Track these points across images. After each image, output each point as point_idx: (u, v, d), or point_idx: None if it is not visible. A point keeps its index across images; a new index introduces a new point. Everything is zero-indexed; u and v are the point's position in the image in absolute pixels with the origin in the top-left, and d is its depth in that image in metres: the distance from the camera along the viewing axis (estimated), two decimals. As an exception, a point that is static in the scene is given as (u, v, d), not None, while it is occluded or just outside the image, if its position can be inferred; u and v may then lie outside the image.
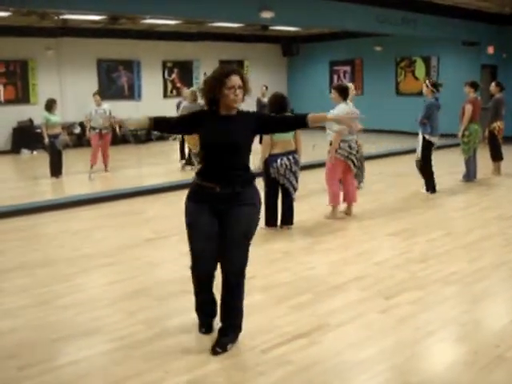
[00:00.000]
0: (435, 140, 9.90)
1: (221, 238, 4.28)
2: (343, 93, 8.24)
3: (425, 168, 10.09)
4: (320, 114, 4.50)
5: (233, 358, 4.19)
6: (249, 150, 4.35)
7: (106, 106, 13.27)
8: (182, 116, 5.00)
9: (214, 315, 4.66)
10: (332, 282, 5.78)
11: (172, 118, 4.61)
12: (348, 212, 8.59)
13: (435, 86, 9.94)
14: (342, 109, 8.00)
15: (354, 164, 8.41)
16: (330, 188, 8.42)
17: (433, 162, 10.06)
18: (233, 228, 4.25)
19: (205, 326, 4.63)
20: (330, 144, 8.25)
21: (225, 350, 4.28)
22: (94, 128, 13.11)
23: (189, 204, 4.46)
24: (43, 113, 12.41)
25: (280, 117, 4.94)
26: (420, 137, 9.95)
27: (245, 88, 4.23)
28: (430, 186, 10.13)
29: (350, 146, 8.25)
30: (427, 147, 9.93)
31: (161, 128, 4.62)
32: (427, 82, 10.05)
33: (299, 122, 4.37)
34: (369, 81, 21.51)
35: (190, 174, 12.39)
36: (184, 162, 13.49)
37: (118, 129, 13.42)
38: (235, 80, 4.16)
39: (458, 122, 10.83)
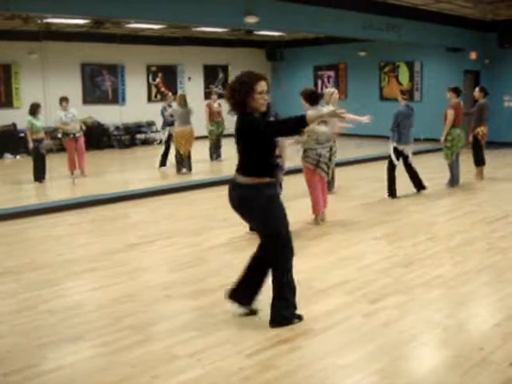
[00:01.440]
0: (402, 148, 10.04)
1: None
2: (309, 98, 8.14)
3: (388, 173, 10.29)
4: (315, 112, 4.70)
5: (218, 362, 4.19)
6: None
7: (73, 109, 13.30)
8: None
9: None
10: (317, 286, 5.80)
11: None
12: (321, 218, 8.52)
13: (403, 93, 10.38)
14: None
15: (326, 172, 8.37)
16: (311, 196, 8.43)
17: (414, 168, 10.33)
18: None
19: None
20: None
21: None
22: (66, 134, 13.13)
23: (276, 197, 4.77)
24: (28, 117, 12.35)
25: (282, 120, 4.95)
26: (390, 145, 10.20)
27: (268, 92, 4.61)
28: (390, 191, 10.28)
29: (318, 154, 8.20)
30: (395, 154, 10.13)
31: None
32: (399, 90, 10.38)
33: (300, 123, 4.45)
34: (353, 86, 21.60)
35: (179, 179, 12.43)
36: (176, 166, 13.45)
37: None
38: (264, 85, 4.56)
39: (441, 127, 10.91)
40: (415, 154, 10.95)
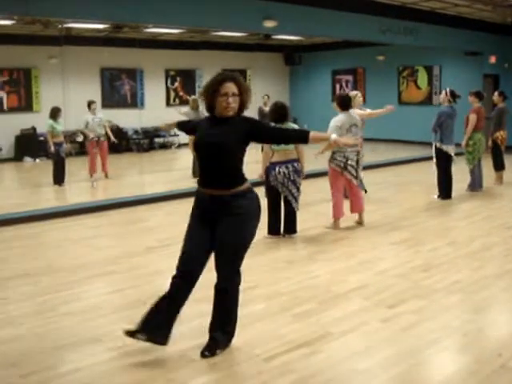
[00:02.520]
0: (446, 148, 9.99)
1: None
2: (341, 103, 8.25)
3: (438, 175, 10.31)
4: (323, 133, 4.50)
5: (236, 366, 4.18)
6: (239, 155, 4.27)
7: (101, 114, 13.58)
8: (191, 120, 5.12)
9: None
10: (335, 290, 5.77)
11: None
12: (360, 221, 8.53)
13: (453, 95, 10.11)
14: (338, 119, 8.08)
15: (353, 175, 8.35)
16: (332, 199, 8.43)
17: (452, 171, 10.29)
18: (220, 239, 4.28)
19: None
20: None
21: (213, 354, 4.30)
22: (91, 137, 13.34)
23: (192, 207, 4.49)
24: (48, 121, 12.48)
25: (279, 128, 4.90)
26: (433, 145, 10.18)
27: (243, 96, 4.22)
28: (442, 193, 10.29)
29: (346, 158, 8.19)
30: (439, 155, 10.13)
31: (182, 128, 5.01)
32: (447, 89, 10.18)
33: (300, 137, 4.39)
34: (371, 90, 21.53)
35: (195, 183, 12.42)
36: (193, 170, 13.47)
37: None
38: (229, 87, 4.16)
39: (462, 132, 10.84)
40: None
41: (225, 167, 4.24)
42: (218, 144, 4.16)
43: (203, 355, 4.28)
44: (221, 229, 4.25)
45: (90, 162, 13.33)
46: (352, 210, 8.51)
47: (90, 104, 13.56)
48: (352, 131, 8.13)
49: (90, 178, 13.07)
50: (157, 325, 4.30)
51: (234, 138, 4.19)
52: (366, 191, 10.13)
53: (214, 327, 4.41)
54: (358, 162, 8.39)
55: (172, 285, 4.36)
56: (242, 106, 4.26)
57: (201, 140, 4.30)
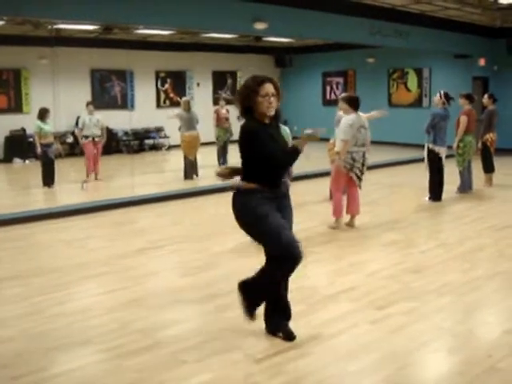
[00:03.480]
0: (438, 150, 10.04)
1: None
2: (353, 103, 8.32)
3: (430, 177, 10.35)
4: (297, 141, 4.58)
5: (226, 368, 4.19)
6: None
7: (98, 116, 13.62)
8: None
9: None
10: (325, 292, 5.79)
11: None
12: (350, 224, 8.56)
13: (447, 97, 10.17)
14: (350, 118, 8.18)
15: (358, 177, 8.38)
16: (333, 199, 8.48)
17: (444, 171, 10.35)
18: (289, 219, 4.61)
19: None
20: (337, 153, 8.32)
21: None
22: (86, 136, 13.39)
23: (254, 203, 4.40)
24: (36, 122, 12.44)
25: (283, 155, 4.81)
26: (425, 146, 10.23)
27: (278, 95, 4.42)
28: (432, 194, 10.32)
29: (353, 158, 8.25)
30: (430, 157, 10.19)
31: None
32: (441, 92, 10.23)
33: (295, 156, 4.52)
34: (361, 92, 21.41)
35: (187, 184, 12.44)
36: (184, 172, 13.47)
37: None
38: (268, 88, 4.35)
39: (453, 134, 10.88)
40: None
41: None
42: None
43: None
44: (284, 213, 4.54)
45: (87, 162, 13.40)
46: (347, 211, 8.55)
47: (87, 105, 13.71)
48: (361, 132, 8.23)
49: (87, 177, 13.15)
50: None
51: (282, 141, 4.67)
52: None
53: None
54: (363, 163, 8.42)
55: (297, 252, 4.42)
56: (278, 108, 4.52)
57: (279, 148, 4.45)
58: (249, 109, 4.39)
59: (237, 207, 4.48)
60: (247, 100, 4.36)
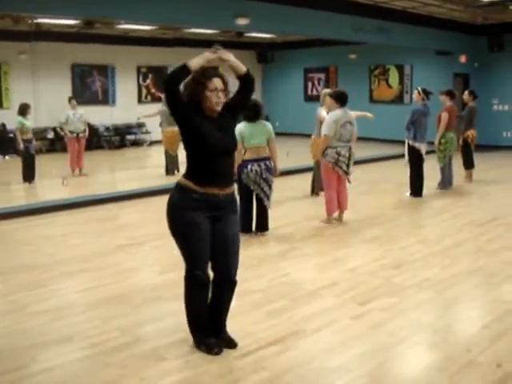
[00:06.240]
0: (419, 146, 10.09)
1: (216, 244, 4.22)
2: (339, 99, 8.32)
3: (410, 172, 10.41)
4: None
5: (208, 364, 4.19)
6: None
7: (81, 110, 13.68)
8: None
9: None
10: (307, 288, 5.81)
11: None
12: (339, 218, 8.60)
13: (425, 92, 10.24)
14: (334, 114, 8.19)
15: (345, 171, 8.38)
16: (325, 196, 8.49)
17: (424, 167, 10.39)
18: (229, 235, 4.27)
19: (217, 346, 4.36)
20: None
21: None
22: (71, 132, 13.49)
23: (183, 210, 4.19)
24: (17, 117, 12.32)
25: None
26: (405, 142, 10.29)
27: (226, 91, 4.28)
28: (413, 190, 10.38)
29: (338, 153, 8.24)
30: (411, 153, 10.24)
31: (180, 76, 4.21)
32: (419, 88, 10.29)
33: (184, 70, 4.20)
34: (343, 88, 21.59)
35: (168, 180, 12.39)
36: (166, 167, 13.44)
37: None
38: (217, 82, 4.22)
39: (434, 130, 10.93)
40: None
41: (232, 165, 4.35)
42: (229, 142, 4.24)
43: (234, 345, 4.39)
44: (225, 225, 4.23)
45: (71, 157, 13.51)
46: (337, 207, 8.57)
47: (70, 100, 13.80)
48: (347, 128, 8.23)
49: (72, 173, 13.26)
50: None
51: (233, 134, 4.40)
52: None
53: (223, 321, 4.45)
54: (349, 157, 8.39)
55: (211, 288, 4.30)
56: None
57: (210, 138, 4.11)
58: (196, 103, 4.17)
59: (167, 203, 4.29)
60: (195, 93, 4.16)
